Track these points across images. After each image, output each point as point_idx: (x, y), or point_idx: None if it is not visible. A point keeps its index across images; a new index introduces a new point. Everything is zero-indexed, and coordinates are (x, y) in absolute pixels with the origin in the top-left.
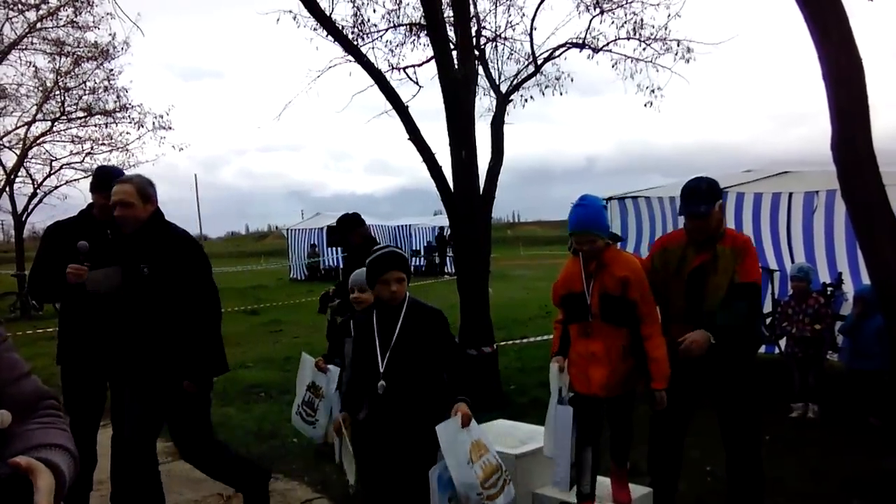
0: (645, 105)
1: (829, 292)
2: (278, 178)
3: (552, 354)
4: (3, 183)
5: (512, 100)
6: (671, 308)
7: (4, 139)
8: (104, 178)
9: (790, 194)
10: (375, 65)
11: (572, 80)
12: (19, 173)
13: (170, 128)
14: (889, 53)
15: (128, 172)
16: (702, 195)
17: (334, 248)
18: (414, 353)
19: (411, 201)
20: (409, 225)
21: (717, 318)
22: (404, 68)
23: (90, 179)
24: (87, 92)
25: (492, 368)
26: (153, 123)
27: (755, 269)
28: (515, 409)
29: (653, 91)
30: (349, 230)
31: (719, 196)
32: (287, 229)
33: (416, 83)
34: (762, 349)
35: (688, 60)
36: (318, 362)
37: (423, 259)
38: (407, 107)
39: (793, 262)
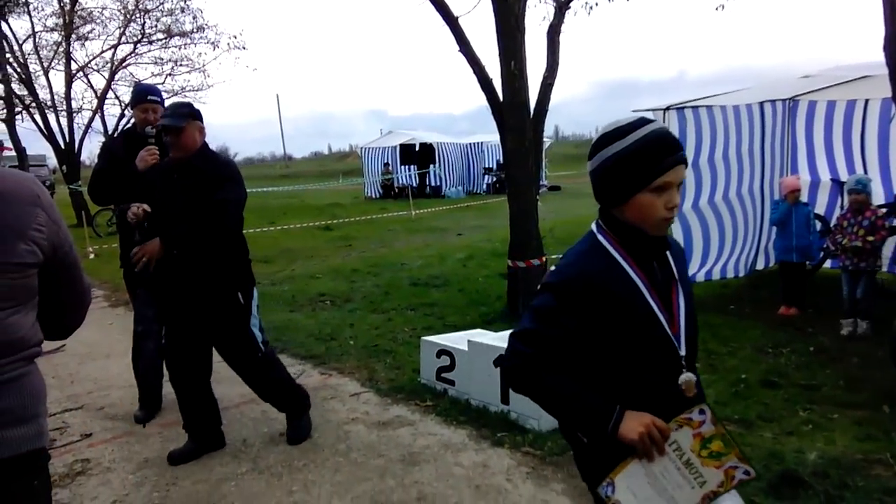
0: (716, 9)
1: None
2: (359, 97)
3: None
4: (95, 105)
5: (570, 7)
6: None
7: (92, 63)
8: (140, 94)
9: (866, 101)
10: None
11: None
12: (108, 95)
13: (244, 48)
14: None
15: (206, 93)
16: None
17: (408, 166)
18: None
19: (491, 118)
20: (482, 143)
21: None
22: None
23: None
24: (164, 13)
25: (540, 281)
26: (228, 44)
27: None
28: None
29: None
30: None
31: None
32: (361, 148)
33: None
34: (828, 263)
35: None
36: None
37: (493, 177)
38: (457, 18)
39: (866, 174)
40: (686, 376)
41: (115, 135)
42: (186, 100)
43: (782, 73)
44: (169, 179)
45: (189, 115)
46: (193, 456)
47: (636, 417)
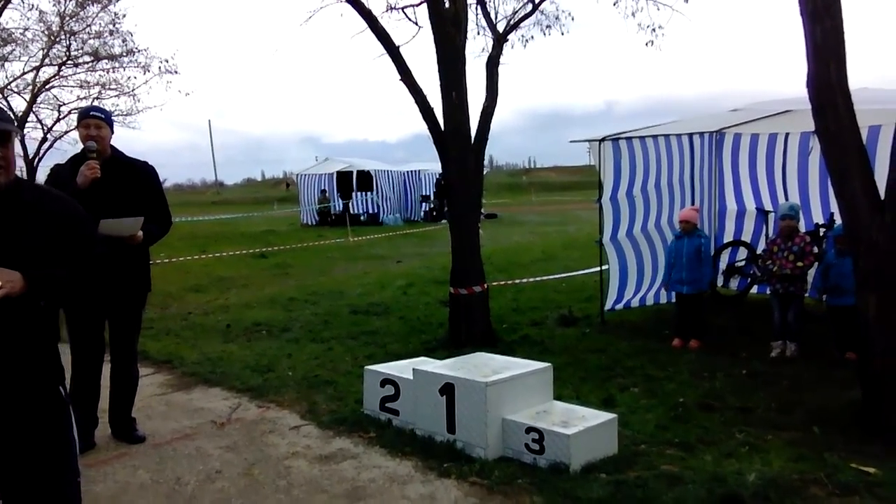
0: (646, 44)
1: (821, 233)
2: (292, 124)
3: None
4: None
5: (508, 39)
6: None
7: (12, 84)
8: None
9: (786, 135)
10: (366, 5)
11: (573, 19)
12: (29, 119)
13: (176, 72)
14: None
15: (136, 118)
16: None
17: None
18: None
19: (426, 146)
20: (419, 170)
21: None
22: (402, 8)
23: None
24: (92, 36)
25: (482, 307)
26: (159, 68)
27: None
28: (504, 346)
29: (654, 30)
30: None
31: None
32: (297, 175)
33: (416, 23)
34: (755, 289)
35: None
36: None
37: (430, 204)
38: (398, 48)
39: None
40: None
41: (63, 161)
42: None
43: (706, 105)
44: None
45: (11, 119)
46: None
47: None
